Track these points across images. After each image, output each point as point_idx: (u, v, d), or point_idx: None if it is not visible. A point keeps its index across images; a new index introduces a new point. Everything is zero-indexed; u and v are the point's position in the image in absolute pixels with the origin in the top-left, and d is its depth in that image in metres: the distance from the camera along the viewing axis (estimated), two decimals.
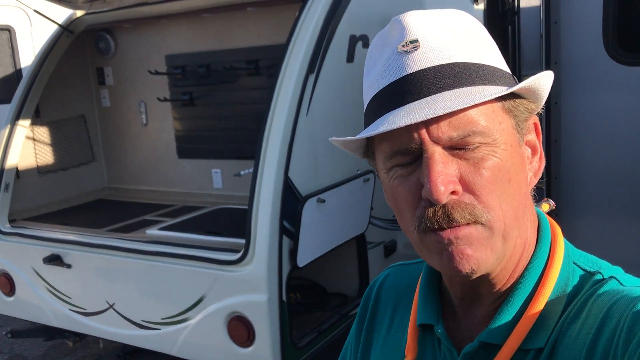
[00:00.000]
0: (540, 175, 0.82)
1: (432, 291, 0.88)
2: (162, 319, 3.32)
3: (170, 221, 3.83)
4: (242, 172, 3.69)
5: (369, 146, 0.81)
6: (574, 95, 2.89)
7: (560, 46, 2.88)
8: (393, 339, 0.93)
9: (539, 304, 0.76)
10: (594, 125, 2.88)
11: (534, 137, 0.81)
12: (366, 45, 3.68)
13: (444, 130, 0.70)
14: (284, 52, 3.18)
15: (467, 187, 0.71)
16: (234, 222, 3.66)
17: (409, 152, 0.73)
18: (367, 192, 3.69)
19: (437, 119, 0.70)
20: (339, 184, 3.40)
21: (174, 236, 3.47)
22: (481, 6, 4.82)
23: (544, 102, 0.79)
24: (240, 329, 3.03)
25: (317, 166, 3.31)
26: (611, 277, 0.76)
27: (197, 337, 3.20)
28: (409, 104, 0.71)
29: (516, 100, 0.75)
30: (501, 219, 0.72)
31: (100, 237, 3.58)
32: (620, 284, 0.75)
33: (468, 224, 0.71)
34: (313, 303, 3.80)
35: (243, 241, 3.00)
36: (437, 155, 0.70)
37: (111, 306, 3.50)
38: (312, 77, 3.21)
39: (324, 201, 3.20)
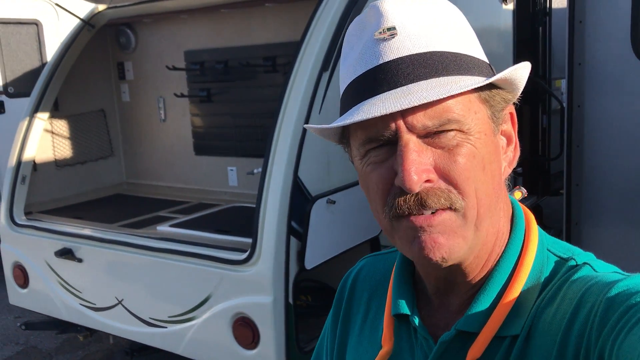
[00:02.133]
0: (514, 165, 0.81)
1: (406, 280, 0.88)
2: (169, 317, 3.28)
3: (183, 218, 3.79)
4: (255, 171, 3.63)
5: (344, 133, 0.81)
6: (598, 98, 2.75)
7: (585, 47, 2.74)
8: (369, 329, 0.93)
9: (515, 291, 0.76)
10: (618, 129, 2.73)
11: (509, 127, 0.81)
12: None
13: (419, 119, 0.70)
14: (297, 49, 3.11)
15: (442, 175, 0.71)
16: (245, 221, 3.60)
17: (383, 139, 0.72)
18: None
19: (413, 109, 0.69)
20: (351, 185, 3.31)
21: (183, 233, 3.43)
22: (510, 6, 4.67)
23: (520, 92, 0.78)
24: (245, 331, 2.97)
25: (329, 166, 3.22)
26: (584, 263, 0.76)
27: (203, 336, 3.15)
28: (385, 93, 0.70)
29: (492, 90, 0.75)
30: (475, 206, 0.72)
31: (111, 233, 3.56)
32: (594, 269, 0.75)
33: (443, 209, 0.71)
34: (324, 306, 3.72)
35: (250, 241, 2.94)
36: (412, 144, 0.70)
37: (120, 302, 3.48)
38: (326, 75, 3.13)
39: (334, 202, 3.12)
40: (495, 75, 0.73)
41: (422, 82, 0.69)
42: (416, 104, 0.67)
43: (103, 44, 4.72)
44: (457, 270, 0.77)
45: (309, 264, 3.01)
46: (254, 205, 3.65)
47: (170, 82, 4.53)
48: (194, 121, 4.54)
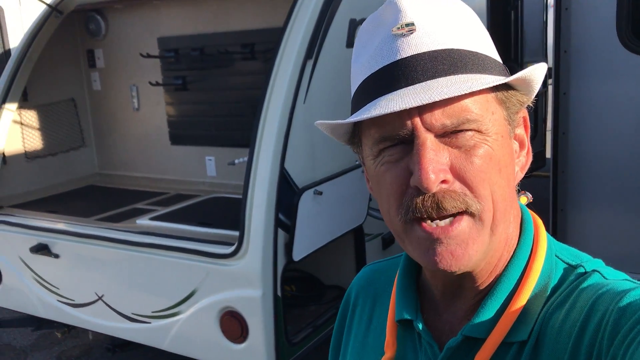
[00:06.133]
0: (526, 170, 0.81)
1: (410, 285, 0.86)
2: (152, 312, 3.21)
3: (162, 210, 3.71)
4: (236, 161, 3.57)
5: (356, 132, 0.78)
6: (584, 85, 2.77)
7: (571, 34, 2.74)
8: (373, 336, 0.92)
9: (523, 298, 0.75)
10: (604, 116, 2.75)
11: (522, 132, 0.80)
12: None
13: (438, 117, 0.68)
14: (280, 36, 3.04)
15: (458, 176, 0.69)
16: (227, 213, 3.54)
17: (399, 138, 0.70)
18: (365, 184, 3.57)
19: (431, 106, 0.68)
20: (336, 175, 3.28)
21: (165, 227, 3.35)
22: None
23: (534, 95, 0.77)
24: (233, 325, 2.93)
25: (314, 157, 3.18)
26: (594, 270, 0.75)
27: (189, 331, 3.09)
28: (403, 89, 0.68)
29: (509, 91, 0.74)
30: (491, 209, 0.71)
31: (89, 227, 3.45)
32: (604, 277, 0.74)
33: (459, 214, 0.69)
34: (309, 296, 3.70)
35: (236, 233, 2.88)
36: (429, 142, 0.68)
37: (100, 298, 3.39)
38: (310, 63, 3.08)
39: (321, 193, 3.08)
40: (513, 74, 0.72)
41: (441, 78, 0.68)
42: (436, 100, 0.66)
43: (71, 30, 4.55)
44: (467, 275, 0.76)
45: (297, 255, 2.98)
46: (235, 196, 3.59)
47: (143, 70, 4.41)
48: (169, 110, 4.43)
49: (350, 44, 3.43)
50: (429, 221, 0.70)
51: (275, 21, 3.62)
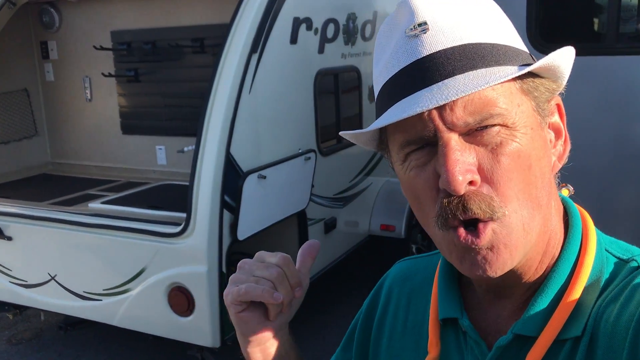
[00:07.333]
0: (565, 160, 0.77)
1: (452, 283, 0.85)
2: (103, 290, 3.38)
3: (113, 195, 3.87)
4: (185, 149, 3.76)
5: (383, 138, 0.76)
6: None
7: None
8: (411, 334, 0.90)
9: (575, 293, 0.72)
10: None
11: (558, 119, 0.76)
12: (310, 27, 3.79)
13: (459, 115, 0.66)
14: (227, 31, 3.26)
15: (485, 176, 0.67)
16: (176, 198, 3.73)
17: (423, 141, 0.69)
18: (308, 170, 3.82)
19: (451, 104, 0.66)
20: (280, 162, 3.51)
21: (116, 210, 3.52)
22: None
23: (566, 80, 0.74)
24: (181, 299, 3.13)
25: (259, 143, 3.41)
26: None
27: (138, 307, 3.28)
28: (420, 91, 0.67)
29: (535, 80, 0.70)
30: (518, 210, 0.68)
31: (42, 210, 3.59)
32: None
33: (485, 222, 0.68)
34: None
35: (184, 215, 3.09)
36: (454, 142, 0.66)
37: (53, 278, 3.54)
38: (255, 56, 3.30)
39: (264, 177, 3.31)
40: (534, 63, 0.68)
41: (459, 76, 0.66)
42: (452, 99, 0.64)
43: (25, 22, 4.65)
44: (510, 274, 0.73)
45: (242, 235, 3.20)
46: (184, 183, 3.79)
47: (96, 62, 4.55)
48: (121, 101, 4.58)
49: (294, 40, 3.67)
50: (462, 228, 0.68)
51: (223, 17, 3.83)
